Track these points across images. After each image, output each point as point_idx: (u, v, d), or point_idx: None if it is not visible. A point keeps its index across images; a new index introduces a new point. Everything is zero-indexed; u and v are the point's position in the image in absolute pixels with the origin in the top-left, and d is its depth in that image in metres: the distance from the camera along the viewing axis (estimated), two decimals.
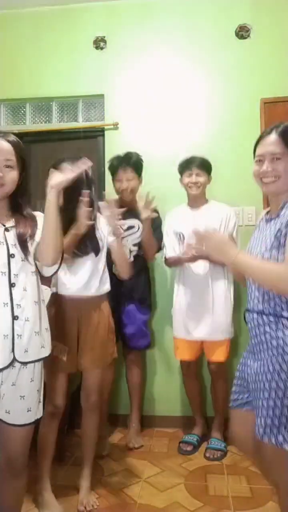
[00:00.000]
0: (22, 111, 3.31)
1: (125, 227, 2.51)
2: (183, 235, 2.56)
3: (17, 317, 1.48)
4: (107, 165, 2.73)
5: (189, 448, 2.64)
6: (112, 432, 2.88)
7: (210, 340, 2.58)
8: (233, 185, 2.87)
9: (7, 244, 1.49)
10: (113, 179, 2.65)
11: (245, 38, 2.97)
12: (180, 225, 2.59)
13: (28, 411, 1.52)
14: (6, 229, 1.51)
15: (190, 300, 2.59)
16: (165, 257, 2.70)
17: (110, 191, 2.72)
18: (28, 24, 3.17)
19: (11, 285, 1.48)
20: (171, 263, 2.68)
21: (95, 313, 2.06)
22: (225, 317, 2.56)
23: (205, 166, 2.59)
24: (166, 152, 3.01)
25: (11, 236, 1.51)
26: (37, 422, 1.58)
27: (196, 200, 2.63)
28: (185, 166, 2.60)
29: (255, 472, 2.35)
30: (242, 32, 2.96)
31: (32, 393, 1.53)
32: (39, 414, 1.57)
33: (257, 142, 1.53)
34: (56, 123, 3.26)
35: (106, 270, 2.11)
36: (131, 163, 2.59)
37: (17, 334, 1.47)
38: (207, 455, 2.56)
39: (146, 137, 3.04)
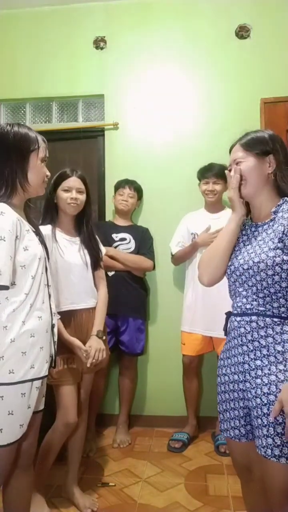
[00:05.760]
0: (22, 111, 3.31)
1: (117, 238, 2.78)
2: (197, 235, 2.68)
3: None
4: (113, 185, 2.91)
5: (177, 445, 2.66)
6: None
7: (219, 338, 2.53)
8: None
9: None
10: (116, 193, 2.86)
11: (245, 38, 2.97)
12: (196, 226, 2.71)
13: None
14: None
15: (200, 296, 2.64)
16: (172, 255, 2.79)
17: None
18: (28, 24, 3.17)
19: None
20: (177, 258, 2.77)
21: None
22: None
23: (223, 174, 2.55)
24: (165, 152, 3.01)
25: None
26: (42, 412, 1.54)
27: (213, 206, 2.74)
28: (203, 174, 2.69)
29: None
30: (242, 32, 2.96)
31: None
32: (41, 405, 1.54)
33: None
34: (56, 123, 3.26)
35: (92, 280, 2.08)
36: (136, 185, 2.87)
37: None
38: (222, 450, 2.57)
39: (146, 137, 3.04)
